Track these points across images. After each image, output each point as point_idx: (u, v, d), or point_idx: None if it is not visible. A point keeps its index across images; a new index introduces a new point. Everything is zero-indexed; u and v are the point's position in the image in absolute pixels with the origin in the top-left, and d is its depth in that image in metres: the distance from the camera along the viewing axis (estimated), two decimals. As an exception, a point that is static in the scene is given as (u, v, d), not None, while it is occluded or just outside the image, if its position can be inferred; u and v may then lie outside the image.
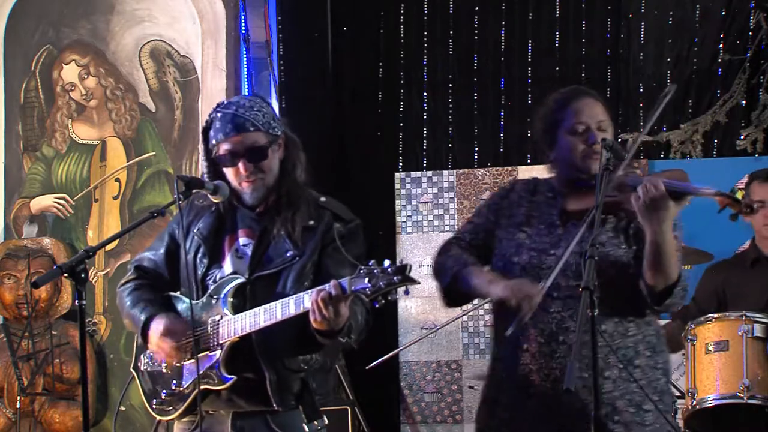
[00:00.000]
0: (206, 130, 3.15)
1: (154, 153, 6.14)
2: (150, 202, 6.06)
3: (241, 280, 3.08)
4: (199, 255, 3.16)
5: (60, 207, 6.19)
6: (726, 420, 4.36)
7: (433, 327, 5.78)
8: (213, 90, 6.08)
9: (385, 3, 6.64)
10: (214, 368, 3.03)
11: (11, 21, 6.29)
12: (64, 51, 6.24)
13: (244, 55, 6.18)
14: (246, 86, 6.19)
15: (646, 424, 3.06)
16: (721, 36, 6.20)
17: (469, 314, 6.29)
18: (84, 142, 6.21)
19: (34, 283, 2.85)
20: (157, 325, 3.10)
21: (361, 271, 2.80)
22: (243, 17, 6.17)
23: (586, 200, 3.06)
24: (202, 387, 3.02)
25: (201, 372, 3.03)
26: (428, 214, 6.52)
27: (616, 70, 6.37)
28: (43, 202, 6.21)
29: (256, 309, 2.98)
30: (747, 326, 4.22)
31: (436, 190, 6.53)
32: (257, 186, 3.11)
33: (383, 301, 2.81)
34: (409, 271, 2.77)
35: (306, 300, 2.87)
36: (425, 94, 6.61)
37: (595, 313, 2.72)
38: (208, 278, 3.14)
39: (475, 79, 6.54)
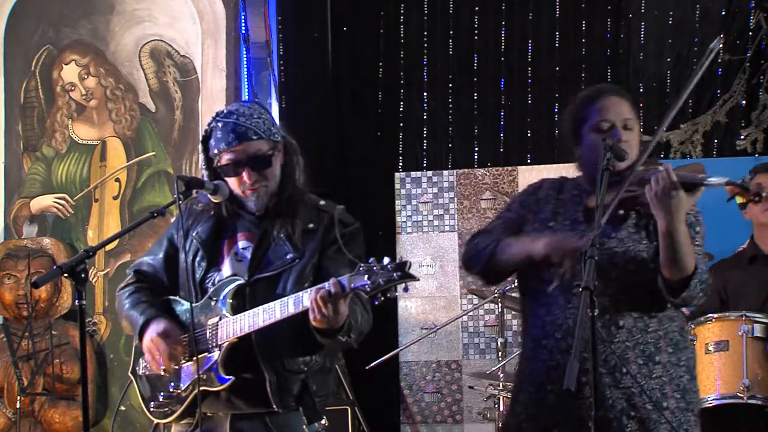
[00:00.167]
0: (206, 140, 3.14)
1: (154, 153, 6.14)
2: (150, 202, 6.06)
3: (240, 281, 3.07)
4: (198, 258, 3.15)
5: (60, 207, 6.18)
6: (726, 420, 4.35)
7: (433, 327, 5.79)
8: (213, 90, 6.08)
9: (385, 3, 6.65)
10: (213, 369, 3.03)
11: (11, 21, 6.29)
12: (64, 51, 6.24)
13: (244, 55, 6.18)
14: (246, 86, 6.19)
15: (662, 422, 3.04)
16: (721, 36, 6.20)
17: (469, 314, 6.30)
18: (84, 142, 6.21)
19: (34, 283, 2.85)
20: (156, 328, 3.09)
21: (361, 269, 2.79)
22: (243, 17, 6.17)
23: (608, 197, 3.05)
24: (198, 389, 3.01)
25: (198, 375, 3.02)
26: (428, 214, 6.53)
27: (616, 70, 6.38)
28: (43, 202, 6.21)
29: (255, 309, 2.97)
30: (747, 326, 4.23)
31: (436, 190, 6.53)
32: (261, 193, 3.11)
33: (382, 299, 2.80)
34: (409, 267, 2.76)
35: (305, 299, 2.87)
36: (425, 94, 6.62)
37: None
38: (207, 281, 3.14)
39: (475, 79, 6.55)
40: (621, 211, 3.06)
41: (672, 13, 6.34)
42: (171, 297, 3.22)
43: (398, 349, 5.91)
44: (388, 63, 6.63)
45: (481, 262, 3.21)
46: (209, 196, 3.11)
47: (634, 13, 6.39)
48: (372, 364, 5.36)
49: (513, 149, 6.50)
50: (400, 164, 6.62)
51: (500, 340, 5.32)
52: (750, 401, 4.16)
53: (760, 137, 6.11)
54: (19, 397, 5.70)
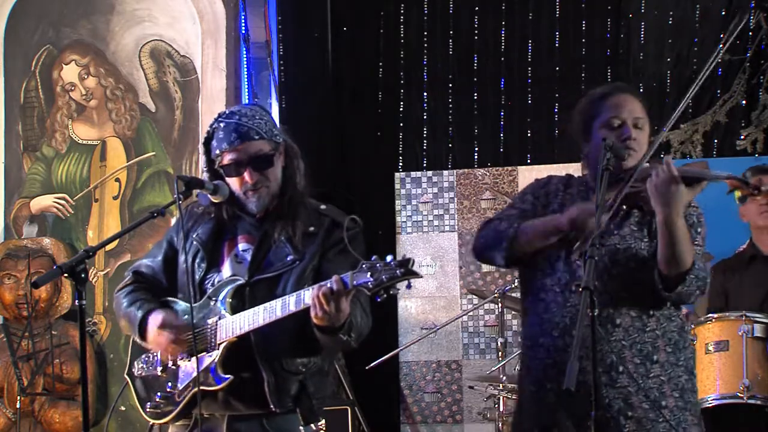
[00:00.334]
0: (208, 141, 3.14)
1: (154, 153, 6.14)
2: (150, 202, 6.06)
3: (240, 281, 3.07)
4: (198, 260, 3.15)
5: (60, 207, 6.19)
6: (726, 420, 4.36)
7: (433, 327, 5.79)
8: (213, 90, 6.08)
9: (385, 3, 6.65)
10: (210, 370, 3.02)
11: (11, 21, 6.29)
12: (64, 51, 6.24)
13: (244, 55, 6.18)
14: (246, 86, 6.19)
15: (659, 421, 3.04)
16: (721, 36, 6.20)
17: (469, 314, 6.30)
18: (84, 142, 6.21)
19: (34, 283, 2.85)
20: (155, 319, 3.09)
21: (363, 266, 2.79)
22: (243, 17, 6.17)
23: (612, 191, 3.04)
24: (197, 389, 3.01)
25: (197, 373, 3.02)
26: (428, 214, 6.53)
27: (616, 70, 6.38)
28: (43, 202, 6.21)
29: (256, 308, 2.97)
30: (747, 326, 4.23)
31: (436, 190, 6.53)
32: (262, 194, 3.11)
33: (385, 296, 2.79)
34: (412, 264, 2.76)
35: (306, 296, 2.87)
36: (425, 94, 6.62)
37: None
38: (206, 282, 3.14)
39: (475, 79, 6.55)
40: (624, 207, 3.06)
41: (672, 13, 6.35)
42: (169, 299, 3.22)
43: (398, 349, 5.92)
44: (388, 63, 6.63)
45: (502, 243, 3.16)
46: (209, 196, 3.11)
47: (634, 13, 6.40)
48: (372, 364, 5.36)
49: (513, 149, 6.50)
50: (400, 164, 6.62)
51: (500, 340, 5.32)
52: (750, 401, 4.16)
53: (760, 137, 6.11)
54: (19, 397, 5.70)
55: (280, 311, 2.92)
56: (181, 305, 3.17)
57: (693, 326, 4.40)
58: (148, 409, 3.19)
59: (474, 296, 6.11)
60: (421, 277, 2.83)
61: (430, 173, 6.55)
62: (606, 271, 3.03)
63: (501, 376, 5.12)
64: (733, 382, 4.20)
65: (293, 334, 3.00)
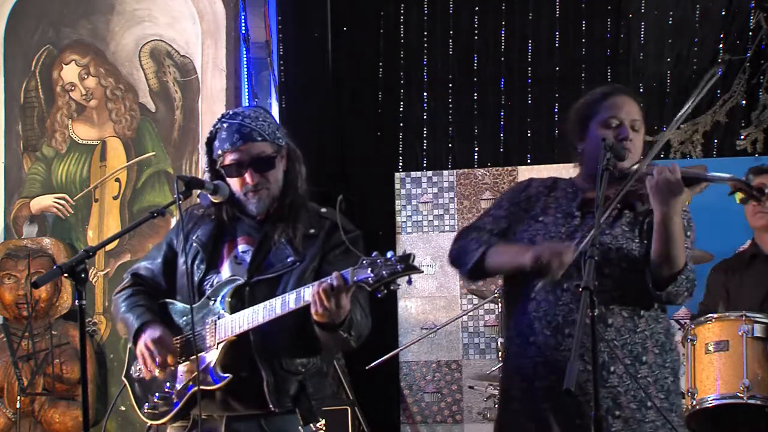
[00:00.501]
0: (210, 141, 3.15)
1: (154, 153, 6.14)
2: (150, 202, 6.06)
3: (240, 281, 3.07)
4: (197, 261, 3.15)
5: (60, 207, 6.18)
6: (726, 420, 4.36)
7: (433, 327, 5.79)
8: (213, 90, 6.08)
9: (385, 3, 6.65)
10: (208, 370, 3.02)
11: (11, 21, 6.29)
12: (64, 51, 6.24)
13: (244, 55, 6.18)
14: (246, 86, 6.19)
15: (646, 421, 3.06)
16: (721, 36, 6.20)
17: (469, 314, 6.30)
18: (84, 142, 6.21)
19: (34, 283, 2.85)
20: (150, 333, 3.08)
21: (364, 262, 2.79)
22: (243, 17, 6.17)
23: (608, 191, 3.05)
24: (197, 388, 3.00)
25: (196, 373, 3.01)
26: (428, 214, 6.53)
27: (616, 70, 6.38)
28: (43, 202, 6.21)
29: (255, 306, 2.97)
30: (747, 326, 4.23)
31: (436, 190, 6.53)
32: (263, 196, 3.11)
33: (386, 291, 2.79)
34: (413, 260, 2.76)
35: (306, 294, 2.87)
36: (425, 94, 6.62)
37: (596, 313, 2.73)
38: (206, 283, 3.13)
39: (475, 79, 6.55)
40: (619, 206, 3.08)
41: (672, 13, 6.35)
42: (168, 300, 3.21)
43: (398, 349, 5.92)
44: (388, 63, 6.63)
45: (467, 265, 3.23)
46: (209, 195, 3.11)
47: (634, 13, 6.40)
48: (372, 364, 5.36)
49: (513, 149, 6.51)
50: (400, 164, 6.62)
51: (500, 340, 5.33)
52: (750, 401, 4.16)
53: (760, 137, 6.11)
54: (19, 397, 5.70)
55: (279, 309, 2.92)
56: (179, 306, 3.17)
57: (693, 326, 4.39)
58: (145, 410, 3.19)
59: (474, 296, 6.11)
60: (422, 272, 2.83)
61: (430, 173, 6.55)
62: (599, 270, 3.04)
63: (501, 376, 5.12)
64: (733, 382, 4.20)
65: (293, 333, 3.00)
